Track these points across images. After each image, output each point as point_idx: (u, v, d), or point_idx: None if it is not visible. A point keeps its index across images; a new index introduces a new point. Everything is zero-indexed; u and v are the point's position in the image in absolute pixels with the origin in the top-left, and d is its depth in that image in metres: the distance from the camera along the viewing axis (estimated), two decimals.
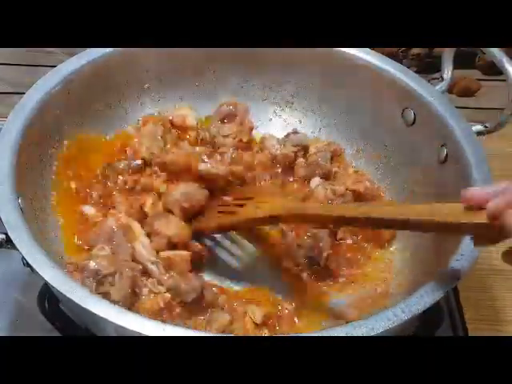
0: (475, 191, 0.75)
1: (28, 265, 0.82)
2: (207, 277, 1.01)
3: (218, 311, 0.92)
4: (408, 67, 1.20)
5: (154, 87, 1.22)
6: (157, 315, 0.91)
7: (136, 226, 1.00)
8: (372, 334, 0.76)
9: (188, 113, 1.20)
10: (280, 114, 1.28)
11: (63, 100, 1.08)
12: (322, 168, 1.15)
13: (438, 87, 1.14)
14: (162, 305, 0.93)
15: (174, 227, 0.99)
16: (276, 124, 1.27)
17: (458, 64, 1.17)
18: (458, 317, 1.06)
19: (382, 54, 1.18)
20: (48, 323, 0.95)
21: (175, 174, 1.05)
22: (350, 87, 1.20)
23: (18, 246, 0.83)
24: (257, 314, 0.93)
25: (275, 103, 1.27)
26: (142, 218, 1.02)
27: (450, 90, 1.23)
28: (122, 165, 1.09)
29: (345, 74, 1.20)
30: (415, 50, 1.53)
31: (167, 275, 0.95)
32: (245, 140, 1.17)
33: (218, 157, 1.11)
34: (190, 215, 1.03)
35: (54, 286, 0.79)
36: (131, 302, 0.91)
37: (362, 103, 1.20)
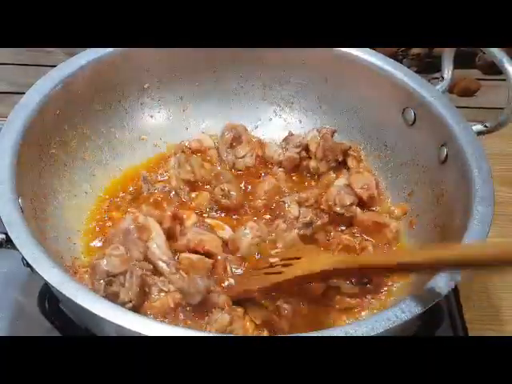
0: None
1: (28, 265, 0.82)
2: None
3: (217, 311, 0.92)
4: (408, 67, 1.20)
5: (153, 87, 1.22)
6: (167, 315, 0.92)
7: (155, 225, 1.01)
8: (372, 334, 0.76)
9: (202, 136, 1.23)
10: (280, 114, 1.28)
11: (63, 100, 1.08)
12: (333, 150, 1.16)
13: (438, 87, 1.14)
14: (172, 305, 0.93)
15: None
16: (276, 124, 1.27)
17: (458, 64, 1.17)
18: (458, 317, 1.06)
19: (382, 53, 1.18)
20: (48, 323, 0.95)
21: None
22: (350, 87, 1.20)
23: (17, 246, 0.83)
24: (257, 314, 0.93)
25: (275, 103, 1.27)
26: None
27: (450, 89, 1.23)
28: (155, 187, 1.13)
29: (345, 73, 1.20)
30: (415, 50, 1.53)
31: (178, 275, 0.96)
32: (260, 154, 1.21)
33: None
34: None
35: (53, 285, 0.79)
36: (140, 302, 0.92)
37: (362, 103, 1.20)
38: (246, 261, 1.03)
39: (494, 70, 1.11)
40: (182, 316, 0.93)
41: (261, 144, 1.23)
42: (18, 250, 0.83)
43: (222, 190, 1.10)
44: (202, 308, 0.93)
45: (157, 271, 0.97)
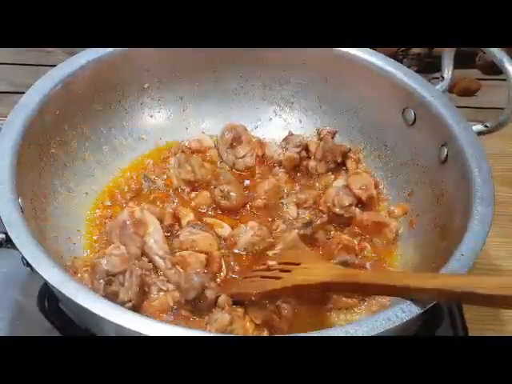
0: None
1: (28, 265, 0.82)
2: None
3: (218, 311, 0.92)
4: (408, 67, 1.20)
5: (153, 87, 1.22)
6: (166, 314, 0.93)
7: (152, 219, 1.02)
8: (372, 334, 0.76)
9: (202, 136, 1.23)
10: (280, 114, 1.28)
11: (63, 100, 1.08)
12: (332, 152, 1.16)
13: (438, 87, 1.14)
14: (171, 304, 0.94)
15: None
16: (276, 124, 1.27)
17: (458, 64, 1.17)
18: (458, 317, 1.06)
19: (382, 53, 1.18)
20: (48, 323, 0.95)
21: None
22: (350, 87, 1.20)
23: (17, 246, 0.83)
24: (257, 314, 0.93)
25: (275, 103, 1.27)
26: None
27: (450, 89, 1.23)
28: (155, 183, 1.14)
29: (345, 73, 1.20)
30: (415, 50, 1.53)
31: (174, 270, 0.96)
32: (260, 154, 1.21)
33: None
34: None
35: (53, 285, 0.79)
36: (140, 301, 0.92)
37: (362, 103, 1.20)
38: (242, 260, 1.03)
39: (494, 69, 1.11)
40: (182, 314, 0.93)
41: (261, 144, 1.23)
42: (18, 249, 0.83)
43: (222, 191, 1.10)
44: (198, 305, 0.93)
45: (156, 270, 0.98)
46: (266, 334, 0.92)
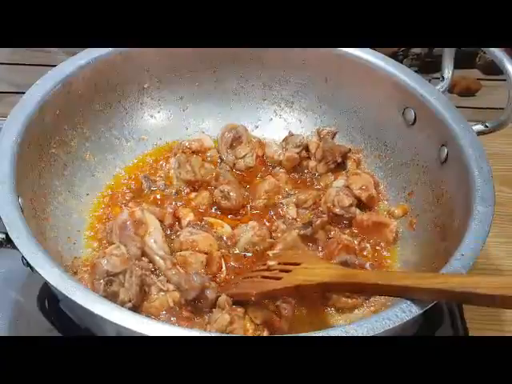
0: None
1: (28, 265, 0.82)
2: None
3: (218, 311, 0.92)
4: (408, 67, 1.20)
5: (153, 87, 1.22)
6: (166, 314, 0.92)
7: (152, 220, 1.02)
8: (372, 333, 0.76)
9: (202, 136, 1.23)
10: (280, 114, 1.28)
11: (63, 100, 1.08)
12: (332, 152, 1.16)
13: (438, 87, 1.14)
14: (171, 304, 0.94)
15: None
16: (276, 124, 1.27)
17: (458, 64, 1.17)
18: (458, 316, 1.06)
19: (383, 54, 1.18)
20: (48, 323, 0.95)
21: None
22: (350, 87, 1.20)
23: (17, 246, 0.83)
24: (257, 314, 0.93)
25: (275, 103, 1.27)
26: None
27: (450, 89, 1.23)
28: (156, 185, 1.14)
29: (345, 73, 1.20)
30: (415, 50, 1.53)
31: (174, 270, 0.96)
32: (260, 154, 1.21)
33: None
34: None
35: (53, 285, 0.79)
36: (140, 302, 0.92)
37: (363, 103, 1.20)
38: (242, 260, 1.03)
39: (494, 69, 1.11)
40: (182, 314, 0.93)
41: (261, 144, 1.23)
42: (18, 249, 0.83)
43: (222, 191, 1.10)
44: (198, 305, 0.93)
45: (156, 270, 0.98)
46: (266, 333, 0.92)
